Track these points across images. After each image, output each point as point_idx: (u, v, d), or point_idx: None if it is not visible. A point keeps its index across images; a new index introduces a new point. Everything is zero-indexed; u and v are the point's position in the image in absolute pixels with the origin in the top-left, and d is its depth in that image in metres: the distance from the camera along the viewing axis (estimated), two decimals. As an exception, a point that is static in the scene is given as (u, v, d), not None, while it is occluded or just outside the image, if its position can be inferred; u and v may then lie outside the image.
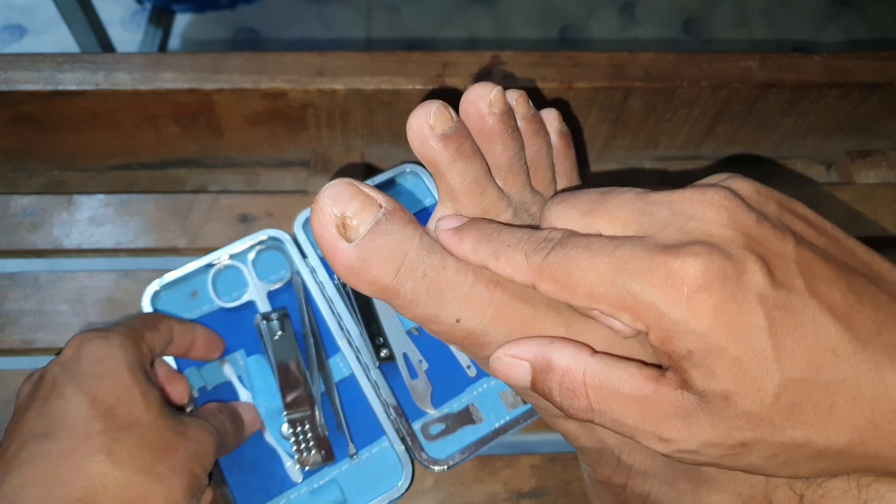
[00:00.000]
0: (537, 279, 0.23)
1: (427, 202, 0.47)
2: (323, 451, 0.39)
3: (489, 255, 0.24)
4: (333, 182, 0.24)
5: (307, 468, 0.39)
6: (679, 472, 0.28)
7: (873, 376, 0.20)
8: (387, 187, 0.47)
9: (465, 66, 0.47)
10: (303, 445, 0.39)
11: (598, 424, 0.23)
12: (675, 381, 0.22)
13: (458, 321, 0.25)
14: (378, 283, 0.24)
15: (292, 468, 0.39)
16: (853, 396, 0.20)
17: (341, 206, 0.24)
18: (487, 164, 0.28)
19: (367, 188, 0.24)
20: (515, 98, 0.29)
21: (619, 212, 0.23)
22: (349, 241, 0.24)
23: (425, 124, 0.26)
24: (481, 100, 0.27)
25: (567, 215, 0.24)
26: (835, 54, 0.49)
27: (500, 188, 0.29)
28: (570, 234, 0.23)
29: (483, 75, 0.47)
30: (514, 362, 0.25)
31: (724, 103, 0.49)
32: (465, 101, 0.27)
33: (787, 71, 0.48)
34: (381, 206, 0.24)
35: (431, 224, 0.28)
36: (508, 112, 0.28)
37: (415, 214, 0.45)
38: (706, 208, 0.22)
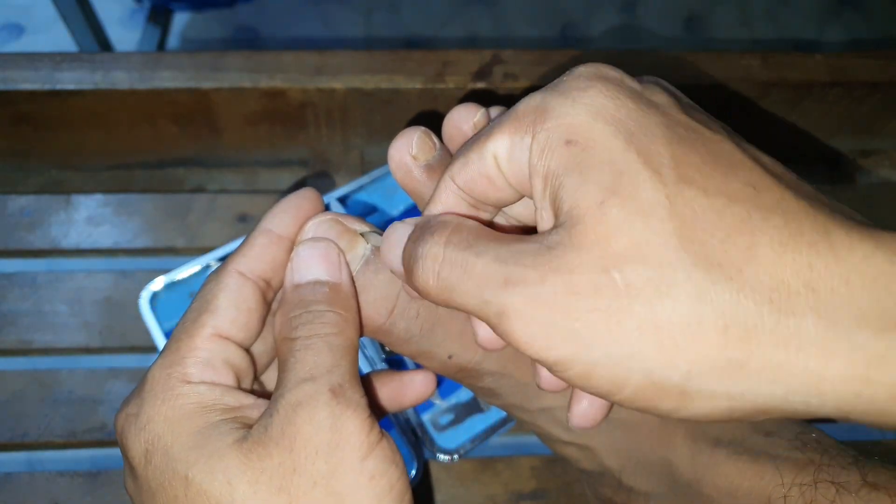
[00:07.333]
0: None
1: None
2: None
3: None
4: (316, 220, 0.23)
5: None
6: (682, 496, 0.27)
7: None
8: (379, 185, 0.47)
9: (465, 64, 0.47)
10: None
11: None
12: None
13: (450, 357, 0.24)
14: (371, 325, 0.23)
15: None
16: None
17: None
18: None
19: (352, 222, 0.23)
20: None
21: None
22: None
23: (407, 154, 0.24)
24: (465, 122, 0.25)
25: None
26: (837, 53, 0.48)
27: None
28: None
29: (484, 74, 0.46)
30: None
31: (725, 102, 0.48)
32: (449, 125, 0.26)
33: (789, 70, 0.47)
34: (368, 242, 0.23)
35: None
36: None
37: (406, 211, 0.46)
38: None
